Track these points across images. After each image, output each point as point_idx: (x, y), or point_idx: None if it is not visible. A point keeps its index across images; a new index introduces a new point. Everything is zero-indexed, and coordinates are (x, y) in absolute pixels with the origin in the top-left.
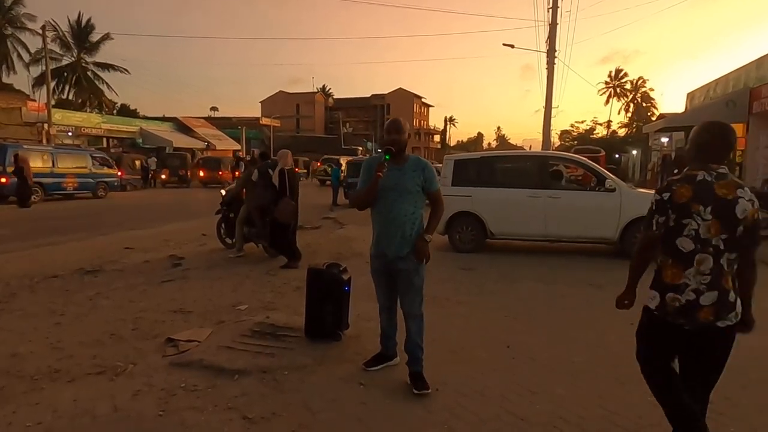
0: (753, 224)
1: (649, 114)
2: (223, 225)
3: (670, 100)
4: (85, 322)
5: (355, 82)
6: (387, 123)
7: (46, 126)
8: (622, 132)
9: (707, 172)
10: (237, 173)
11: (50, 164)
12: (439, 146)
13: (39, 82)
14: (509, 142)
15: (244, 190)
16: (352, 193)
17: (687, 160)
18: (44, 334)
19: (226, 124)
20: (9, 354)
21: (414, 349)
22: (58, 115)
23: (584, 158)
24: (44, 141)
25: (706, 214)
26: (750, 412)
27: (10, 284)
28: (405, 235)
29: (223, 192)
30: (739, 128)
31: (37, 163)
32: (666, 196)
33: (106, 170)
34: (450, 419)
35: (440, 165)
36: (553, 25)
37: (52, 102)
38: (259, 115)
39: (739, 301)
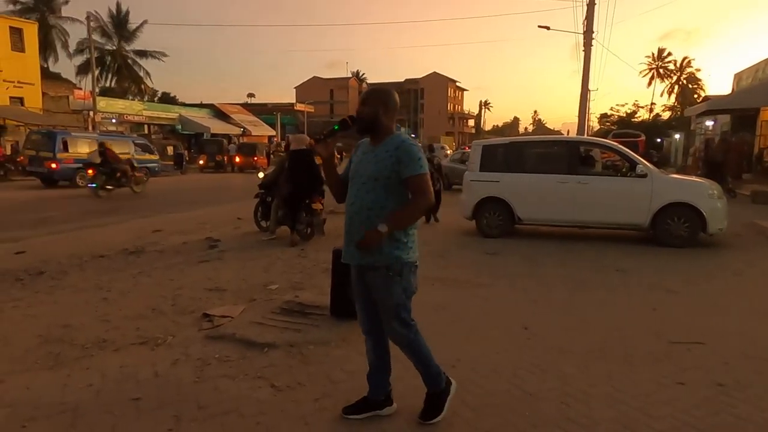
0: None
1: (695, 96)
2: (260, 209)
3: (721, 82)
4: (129, 298)
5: (389, 67)
6: None
7: (91, 113)
8: (666, 115)
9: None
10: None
11: None
12: (473, 131)
13: (82, 70)
14: (546, 127)
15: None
16: None
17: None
18: (93, 308)
19: (262, 110)
20: (62, 325)
21: (423, 376)
22: (102, 102)
23: (614, 142)
24: (90, 128)
25: None
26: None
27: (62, 263)
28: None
29: (261, 175)
30: None
31: (84, 149)
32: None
33: (147, 156)
34: (461, 392)
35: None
36: (591, 5)
37: (96, 90)
38: (294, 101)
39: None
